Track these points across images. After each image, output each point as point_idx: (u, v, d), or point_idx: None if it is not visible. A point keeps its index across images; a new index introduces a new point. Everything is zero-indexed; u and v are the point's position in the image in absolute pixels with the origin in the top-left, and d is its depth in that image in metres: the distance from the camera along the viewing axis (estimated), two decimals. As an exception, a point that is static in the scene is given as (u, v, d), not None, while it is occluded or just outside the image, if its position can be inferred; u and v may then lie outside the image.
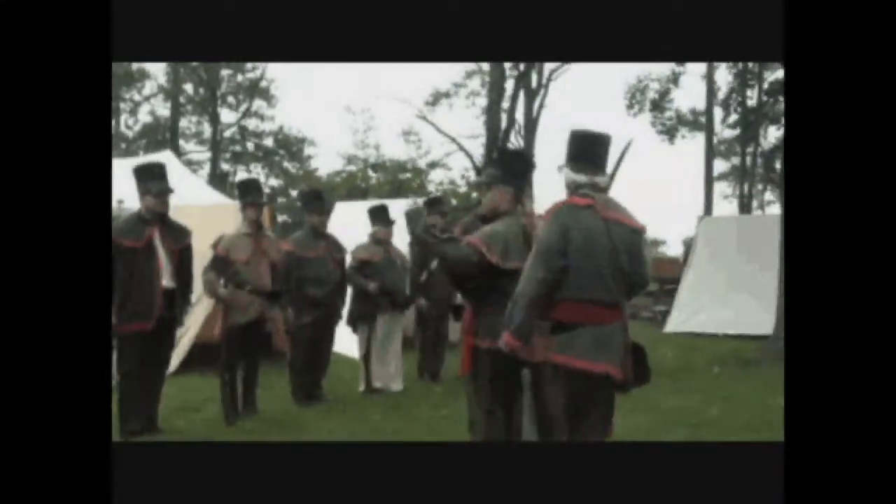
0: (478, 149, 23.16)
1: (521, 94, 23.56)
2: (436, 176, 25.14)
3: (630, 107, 24.30)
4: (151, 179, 5.24)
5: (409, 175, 24.26)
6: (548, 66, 23.91)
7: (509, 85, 23.17)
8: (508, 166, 3.79)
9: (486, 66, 23.35)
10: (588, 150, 3.26)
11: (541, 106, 23.88)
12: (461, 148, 23.74)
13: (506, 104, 23.13)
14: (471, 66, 24.67)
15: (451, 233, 7.41)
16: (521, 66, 22.96)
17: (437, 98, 25.25)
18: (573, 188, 3.23)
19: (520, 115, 23.71)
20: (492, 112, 22.49)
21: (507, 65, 22.49)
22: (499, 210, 3.69)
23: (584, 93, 33.45)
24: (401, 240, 7.81)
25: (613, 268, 3.08)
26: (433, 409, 5.97)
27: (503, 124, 22.87)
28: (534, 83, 23.78)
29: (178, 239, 5.35)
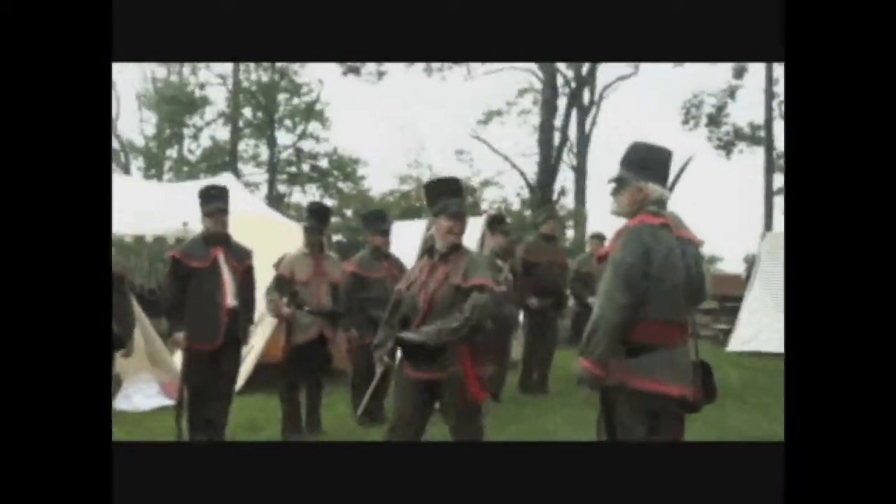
0: (531, 167, 23.14)
1: (574, 112, 23.47)
2: (489, 194, 25.17)
3: (685, 122, 24.02)
4: (209, 200, 5.41)
5: (462, 194, 24.31)
6: (600, 83, 23.83)
7: (561, 102, 23.13)
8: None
9: (538, 84, 23.35)
10: (654, 163, 3.15)
11: (593, 123, 23.77)
12: (514, 166, 23.75)
13: (558, 122, 23.09)
14: (523, 84, 24.71)
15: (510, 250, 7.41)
16: (573, 84, 22.91)
17: (489, 117, 25.33)
18: (640, 203, 3.09)
19: (572, 133, 23.61)
20: (544, 130, 22.49)
21: (560, 82, 22.48)
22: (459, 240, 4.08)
23: (637, 108, 33.20)
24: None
25: (685, 287, 3.03)
26: (497, 430, 5.94)
27: (556, 142, 22.84)
28: (586, 100, 23.69)
29: (242, 259, 5.49)
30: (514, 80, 24.41)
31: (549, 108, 22.53)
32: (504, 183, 24.96)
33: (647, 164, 3.14)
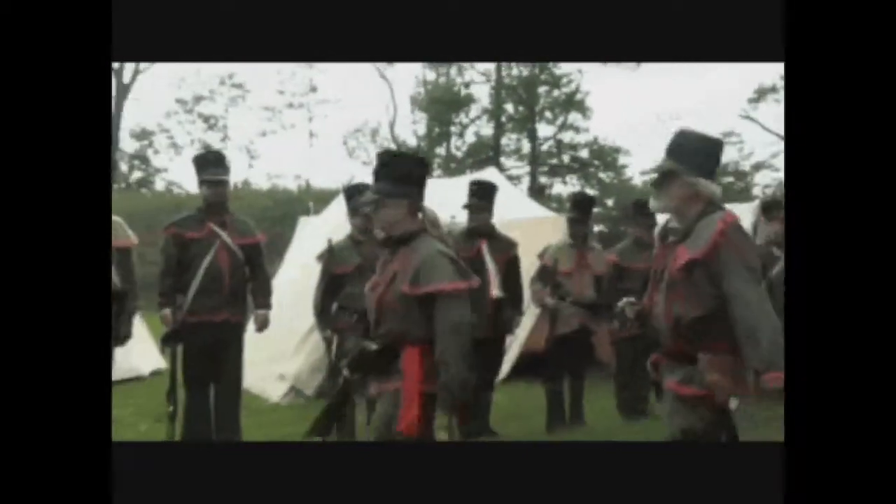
0: (812, 146, 21.16)
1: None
2: (761, 178, 23.46)
3: None
4: (469, 195, 5.58)
5: (731, 179, 22.94)
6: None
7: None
8: (398, 176, 3.15)
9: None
10: (704, 156, 2.86)
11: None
12: (792, 147, 21.88)
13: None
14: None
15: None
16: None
17: (761, 94, 23.58)
18: (689, 201, 2.81)
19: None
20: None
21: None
22: (404, 229, 3.09)
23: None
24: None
25: None
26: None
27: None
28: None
29: (505, 250, 5.66)
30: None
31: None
32: (779, 165, 23.06)
33: (697, 156, 2.84)
